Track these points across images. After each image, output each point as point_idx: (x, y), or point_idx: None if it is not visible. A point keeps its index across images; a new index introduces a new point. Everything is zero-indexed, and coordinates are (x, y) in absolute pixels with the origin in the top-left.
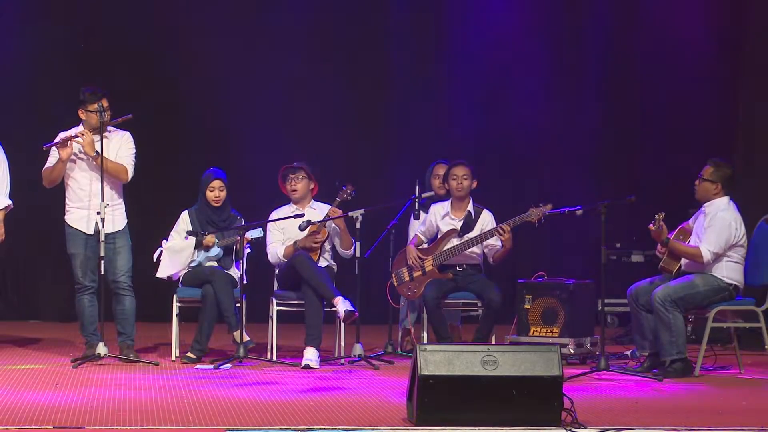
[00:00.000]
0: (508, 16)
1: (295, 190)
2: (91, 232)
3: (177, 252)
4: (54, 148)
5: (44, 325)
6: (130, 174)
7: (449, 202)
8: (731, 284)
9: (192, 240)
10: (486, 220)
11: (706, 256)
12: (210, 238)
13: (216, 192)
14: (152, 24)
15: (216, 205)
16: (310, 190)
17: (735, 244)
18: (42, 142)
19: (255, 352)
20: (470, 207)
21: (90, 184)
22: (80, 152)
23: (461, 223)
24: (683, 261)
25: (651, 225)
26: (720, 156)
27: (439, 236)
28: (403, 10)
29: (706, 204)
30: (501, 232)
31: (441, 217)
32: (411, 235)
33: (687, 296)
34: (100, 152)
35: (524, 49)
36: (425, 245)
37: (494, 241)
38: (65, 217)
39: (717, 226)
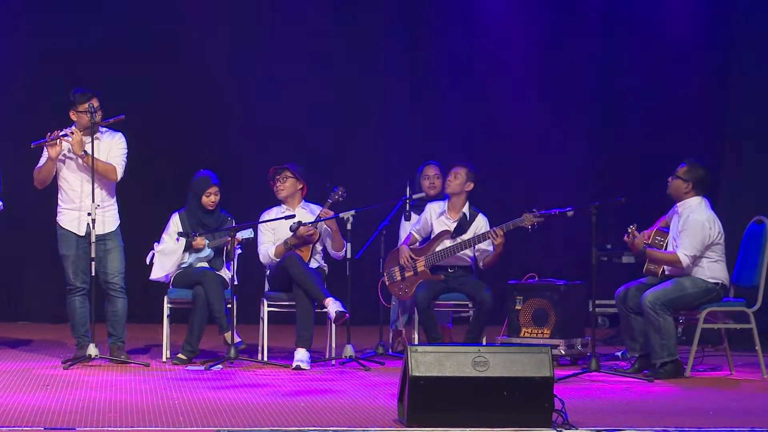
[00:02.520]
0: (498, 18)
1: (281, 190)
2: (82, 233)
3: (168, 254)
4: (44, 147)
5: (35, 326)
6: (120, 174)
7: (446, 201)
8: (717, 283)
9: (182, 242)
10: (480, 224)
11: (684, 261)
12: (200, 240)
13: (212, 197)
14: (144, 24)
15: (211, 209)
16: (298, 190)
17: (712, 243)
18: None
19: (246, 353)
20: (466, 209)
21: (81, 185)
22: (70, 152)
23: (455, 224)
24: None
25: (626, 237)
26: (711, 156)
27: (432, 236)
28: (393, 12)
29: (678, 203)
30: (494, 236)
31: (437, 215)
32: (402, 236)
33: (677, 298)
34: (88, 152)
35: (515, 50)
36: (418, 244)
37: (486, 246)
38: (57, 218)
39: (690, 230)
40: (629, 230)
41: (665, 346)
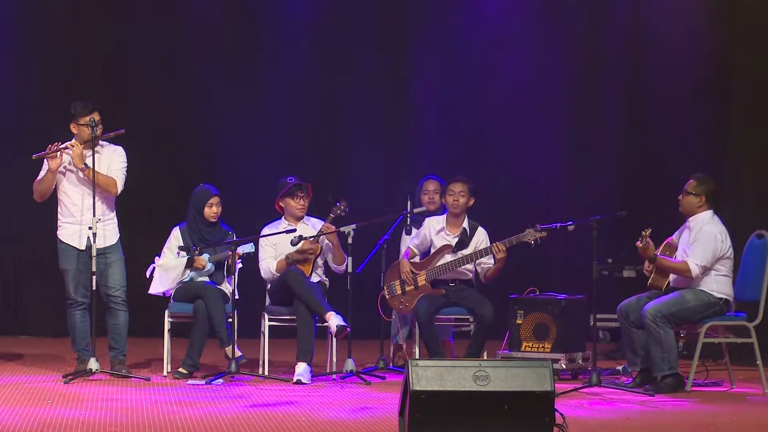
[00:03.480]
0: (498, 33)
1: (303, 208)
2: (82, 247)
3: (168, 270)
4: (45, 159)
5: (35, 341)
6: (120, 187)
7: (445, 216)
8: (721, 298)
9: (183, 258)
10: (480, 238)
11: (694, 270)
12: (201, 261)
13: (214, 208)
14: (144, 39)
15: (213, 220)
16: None
17: (722, 257)
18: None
19: (247, 367)
20: (465, 224)
21: (82, 199)
22: (71, 165)
23: (456, 239)
24: (672, 277)
25: (638, 242)
26: (711, 171)
27: (432, 251)
28: (396, 25)
29: (690, 218)
30: (497, 250)
31: (436, 231)
32: (403, 250)
33: (678, 312)
34: (89, 165)
35: (515, 63)
36: (417, 258)
37: (487, 260)
38: (57, 232)
39: (703, 240)
40: (643, 234)
41: (666, 359)
